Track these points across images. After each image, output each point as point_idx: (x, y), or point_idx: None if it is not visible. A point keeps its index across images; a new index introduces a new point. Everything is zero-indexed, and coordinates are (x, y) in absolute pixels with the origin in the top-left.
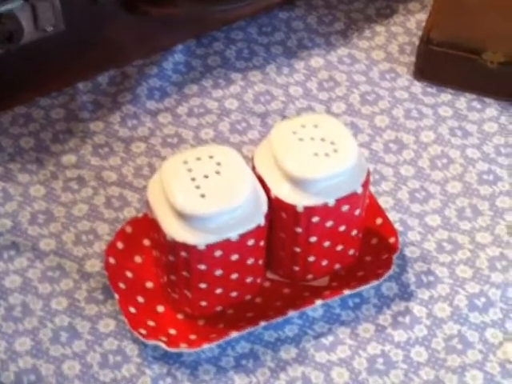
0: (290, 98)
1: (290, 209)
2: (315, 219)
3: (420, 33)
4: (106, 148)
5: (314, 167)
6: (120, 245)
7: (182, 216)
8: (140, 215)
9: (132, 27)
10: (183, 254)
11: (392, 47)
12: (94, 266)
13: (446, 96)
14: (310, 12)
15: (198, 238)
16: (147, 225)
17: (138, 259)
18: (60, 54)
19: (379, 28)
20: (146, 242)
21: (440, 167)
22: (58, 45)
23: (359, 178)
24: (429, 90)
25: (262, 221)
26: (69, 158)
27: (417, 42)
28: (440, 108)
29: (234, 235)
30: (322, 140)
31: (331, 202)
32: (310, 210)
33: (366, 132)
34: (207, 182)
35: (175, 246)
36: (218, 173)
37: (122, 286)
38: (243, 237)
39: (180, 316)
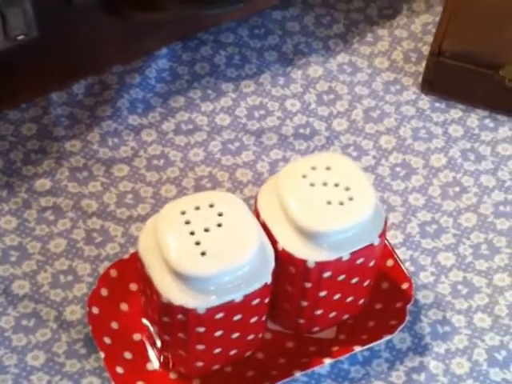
0: (286, 114)
1: (300, 263)
2: (327, 274)
3: (426, 38)
4: (85, 171)
5: (326, 218)
6: (104, 291)
7: (180, 276)
8: (126, 256)
9: (111, 30)
10: (180, 316)
11: (396, 54)
12: (75, 312)
13: (457, 112)
14: (306, 12)
15: (197, 302)
16: (133, 267)
17: (123, 307)
18: (32, 61)
19: (382, 31)
20: (133, 287)
21: (452, 196)
22: (30, 52)
23: (376, 228)
24: (437, 105)
25: (268, 279)
26: (43, 183)
27: (422, 49)
28: (450, 126)
29: (238, 297)
30: (336, 185)
31: (345, 257)
32: (321, 265)
33: (371, 154)
34: (208, 236)
35: (171, 309)
36: (219, 225)
37: (107, 340)
38: (248, 297)
39: (172, 375)
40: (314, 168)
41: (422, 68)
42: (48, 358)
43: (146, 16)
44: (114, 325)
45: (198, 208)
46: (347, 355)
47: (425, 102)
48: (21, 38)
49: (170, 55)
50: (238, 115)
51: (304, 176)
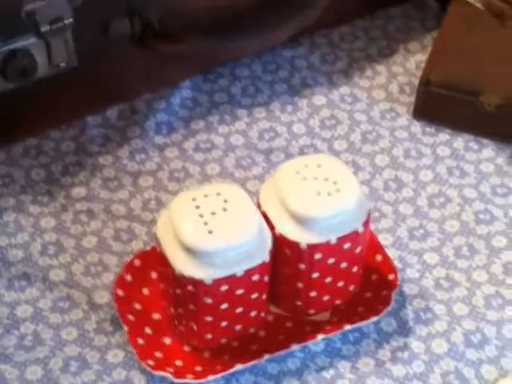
0: (293, 136)
1: (294, 246)
2: (318, 256)
3: (419, 73)
4: (115, 181)
5: (317, 206)
6: (128, 277)
7: (190, 251)
8: (148, 248)
9: (141, 62)
10: (190, 288)
11: (392, 87)
12: (103, 297)
13: (444, 136)
14: (313, 51)
15: (205, 273)
16: (155, 258)
17: (145, 291)
18: (71, 87)
19: (380, 68)
20: (154, 275)
21: (438, 206)
22: (70, 79)
23: (360, 217)
24: (427, 129)
25: (266, 257)
26: (79, 191)
27: (416, 83)
28: (438, 148)
29: (239, 271)
30: (325, 180)
31: (333, 240)
32: (312, 248)
33: (367, 170)
34: (214, 218)
35: (183, 281)
36: (224, 210)
37: (130, 317)
38: (248, 272)
39: (186, 348)
40: (306, 166)
41: (414, 99)
42: (79, 333)
43: (168, 48)
44: (137, 305)
45: (206, 196)
46: (339, 332)
47: (416, 127)
48: (62, 65)
49: (192, 86)
50: (251, 136)
51: (298, 172)
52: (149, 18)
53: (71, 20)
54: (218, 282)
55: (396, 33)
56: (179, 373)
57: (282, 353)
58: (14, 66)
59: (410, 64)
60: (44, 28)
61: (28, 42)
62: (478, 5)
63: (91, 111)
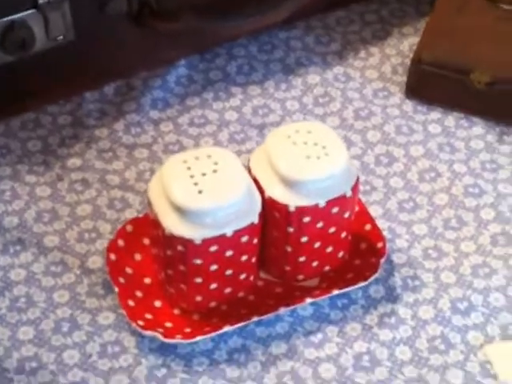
0: (286, 112)
1: (283, 209)
2: (306, 219)
3: (412, 55)
4: (110, 153)
5: (305, 169)
6: (121, 242)
7: (180, 211)
8: (141, 216)
9: (139, 40)
10: (180, 248)
11: (385, 67)
12: (96, 262)
13: (436, 114)
14: (308, 33)
15: (194, 233)
16: (147, 224)
17: (137, 257)
18: (69, 63)
19: (373, 49)
20: (146, 241)
21: (428, 180)
22: (67, 54)
23: (349, 181)
24: (419, 108)
25: (255, 219)
26: (74, 162)
27: (409, 63)
28: (430, 125)
29: (228, 231)
30: (315, 144)
31: (322, 204)
32: (301, 210)
33: (359, 146)
34: (205, 179)
35: (173, 240)
36: (215, 171)
37: (121, 280)
38: (237, 233)
39: (176, 311)
40: (297, 131)
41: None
42: (71, 296)
43: (165, 26)
44: (128, 270)
45: (197, 158)
46: (327, 297)
47: (408, 105)
48: (60, 38)
49: (188, 64)
50: (244, 112)
51: (288, 137)
52: None
53: None
54: (207, 242)
55: (390, 17)
56: (168, 333)
57: (270, 316)
58: (13, 38)
59: (403, 46)
60: (42, 0)
61: (26, 13)
62: None
63: (89, 87)
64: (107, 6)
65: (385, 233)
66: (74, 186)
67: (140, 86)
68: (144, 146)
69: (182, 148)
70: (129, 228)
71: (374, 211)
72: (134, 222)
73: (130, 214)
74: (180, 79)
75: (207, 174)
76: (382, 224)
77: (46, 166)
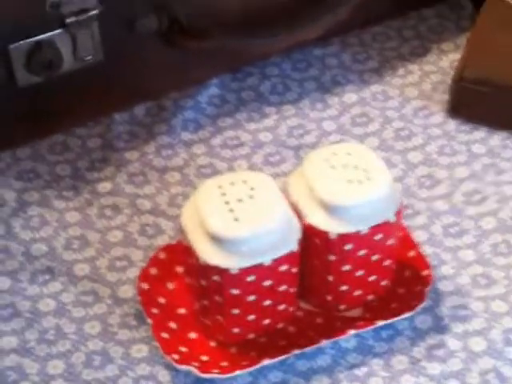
0: (323, 133)
1: (323, 236)
2: (348, 247)
3: (453, 72)
4: (141, 177)
5: (347, 194)
6: (153, 271)
7: (215, 239)
8: (173, 242)
9: (169, 60)
10: (216, 278)
11: (425, 85)
12: (127, 291)
13: (480, 134)
14: (344, 50)
15: (231, 262)
16: (180, 251)
17: (170, 285)
18: (98, 84)
19: (412, 67)
20: (179, 269)
21: (474, 203)
22: (96, 75)
23: (392, 206)
24: (462, 127)
25: (295, 246)
26: (104, 186)
27: (450, 81)
28: (474, 145)
29: (266, 260)
30: (355, 168)
31: (364, 230)
32: (343, 238)
33: (400, 167)
34: (241, 205)
35: (208, 270)
36: (251, 197)
37: (154, 311)
38: (276, 262)
39: (212, 343)
40: (335, 154)
41: (448, 97)
42: (103, 327)
43: (196, 45)
44: (161, 300)
45: (232, 183)
46: (371, 328)
47: (451, 125)
48: (88, 59)
49: (219, 84)
50: (279, 133)
51: (326, 160)
52: (177, 13)
53: (97, 12)
54: (244, 272)
55: (429, 33)
56: (205, 367)
57: (311, 349)
58: (39, 59)
59: (443, 63)
60: (69, 20)
61: (53, 33)
62: None
63: (118, 109)
64: (137, 24)
65: (430, 259)
66: (104, 211)
67: (171, 107)
68: (176, 170)
69: (215, 171)
70: (161, 255)
71: (418, 236)
72: (167, 249)
73: (162, 241)
74: (212, 99)
75: (243, 200)
76: (426, 250)
77: (75, 190)
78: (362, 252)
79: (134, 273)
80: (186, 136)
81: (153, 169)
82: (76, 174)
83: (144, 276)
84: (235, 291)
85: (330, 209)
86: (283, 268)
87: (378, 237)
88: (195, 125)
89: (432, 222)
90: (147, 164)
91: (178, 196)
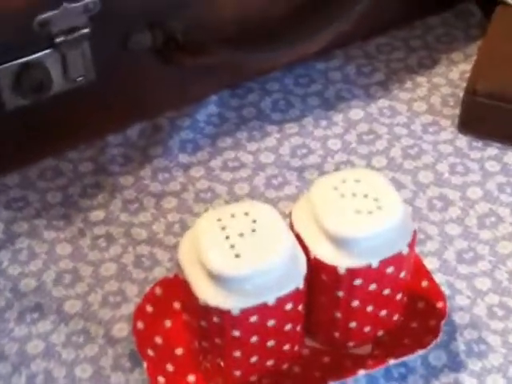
0: (328, 152)
1: (331, 270)
2: (358, 282)
3: (463, 84)
4: (136, 203)
5: (356, 225)
6: (149, 308)
7: (215, 278)
8: (170, 275)
9: (165, 77)
10: (216, 319)
11: (434, 99)
12: (121, 330)
13: (493, 150)
14: (348, 62)
15: (232, 302)
16: (178, 286)
17: (167, 323)
18: (90, 104)
19: (420, 79)
20: (177, 305)
21: (488, 226)
22: (88, 95)
23: (405, 237)
24: (474, 143)
25: (301, 283)
26: (97, 214)
27: (460, 94)
28: (487, 163)
29: (270, 299)
30: (365, 196)
31: (375, 264)
32: (352, 272)
33: (409, 188)
34: (242, 240)
35: (208, 311)
36: (253, 231)
37: (150, 352)
38: (281, 301)
39: None
40: (344, 181)
41: (459, 111)
42: (95, 370)
43: (193, 62)
44: (158, 339)
45: (233, 216)
46: (382, 367)
47: (462, 141)
48: (79, 79)
49: (219, 101)
50: (282, 153)
51: (335, 188)
52: (172, 29)
53: (88, 30)
54: (246, 313)
55: (437, 43)
56: None
57: None
58: (28, 81)
59: (453, 75)
60: (59, 39)
61: (42, 53)
62: None
63: (111, 130)
64: (130, 41)
65: (443, 288)
66: (97, 242)
67: (167, 127)
68: (173, 195)
69: (215, 195)
70: (158, 291)
71: (430, 263)
72: (164, 283)
73: (158, 273)
74: (210, 118)
75: (245, 235)
76: (439, 278)
77: (66, 219)
78: (372, 287)
79: (128, 309)
80: (183, 158)
81: (149, 194)
82: (68, 201)
83: (139, 314)
84: (237, 333)
85: (337, 241)
86: (288, 307)
87: (390, 270)
88: (193, 146)
89: (445, 248)
90: (143, 189)
91: (176, 224)
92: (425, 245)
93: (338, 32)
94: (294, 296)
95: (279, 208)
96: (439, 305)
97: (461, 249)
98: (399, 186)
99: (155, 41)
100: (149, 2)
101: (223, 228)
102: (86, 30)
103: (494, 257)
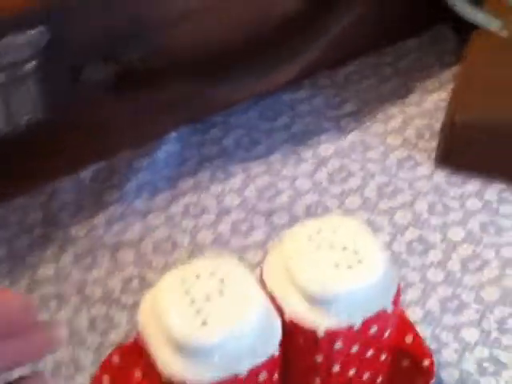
0: (297, 193)
1: (309, 334)
2: (338, 345)
3: (439, 115)
4: (89, 257)
5: (334, 282)
6: (106, 379)
7: (180, 348)
8: (129, 340)
9: (120, 114)
10: None
11: (409, 132)
12: None
13: (474, 186)
14: (316, 93)
15: (199, 376)
16: (138, 353)
17: None
18: (37, 146)
19: (393, 110)
20: (137, 374)
21: (473, 270)
22: (36, 135)
23: (388, 293)
24: (453, 179)
25: (275, 350)
26: (45, 272)
27: (436, 126)
28: (468, 201)
29: (242, 370)
30: (344, 249)
31: (357, 324)
32: (332, 335)
33: (386, 230)
34: (209, 305)
35: None
36: (221, 293)
37: None
38: (254, 371)
39: None
40: (319, 231)
41: (435, 144)
42: None
43: (149, 95)
44: None
45: (198, 276)
46: None
47: (440, 176)
48: (25, 119)
49: (178, 138)
50: (248, 196)
51: (309, 239)
52: (127, 60)
53: (34, 64)
54: None
55: (409, 70)
56: None
57: None
58: None
59: (427, 104)
60: None
61: None
62: (504, 33)
63: (62, 173)
64: (82, 75)
65: (428, 342)
66: (46, 303)
67: (123, 169)
68: (130, 245)
69: (176, 246)
70: (115, 359)
71: (413, 313)
72: (121, 350)
73: (116, 337)
74: (170, 158)
75: (211, 298)
76: (423, 331)
77: (11, 277)
78: (354, 349)
79: (84, 379)
80: (140, 204)
81: (103, 246)
82: (13, 256)
83: None
84: None
85: (314, 301)
86: (262, 377)
87: (373, 330)
88: (151, 189)
89: (427, 296)
90: (96, 241)
91: (133, 279)
92: (406, 293)
93: (307, 61)
94: (269, 364)
95: (247, 258)
96: (425, 363)
97: (444, 297)
98: (375, 228)
99: (109, 73)
100: (102, 31)
101: (187, 292)
102: (31, 64)
103: (481, 304)
